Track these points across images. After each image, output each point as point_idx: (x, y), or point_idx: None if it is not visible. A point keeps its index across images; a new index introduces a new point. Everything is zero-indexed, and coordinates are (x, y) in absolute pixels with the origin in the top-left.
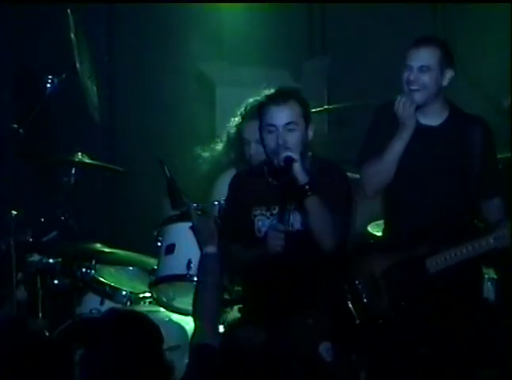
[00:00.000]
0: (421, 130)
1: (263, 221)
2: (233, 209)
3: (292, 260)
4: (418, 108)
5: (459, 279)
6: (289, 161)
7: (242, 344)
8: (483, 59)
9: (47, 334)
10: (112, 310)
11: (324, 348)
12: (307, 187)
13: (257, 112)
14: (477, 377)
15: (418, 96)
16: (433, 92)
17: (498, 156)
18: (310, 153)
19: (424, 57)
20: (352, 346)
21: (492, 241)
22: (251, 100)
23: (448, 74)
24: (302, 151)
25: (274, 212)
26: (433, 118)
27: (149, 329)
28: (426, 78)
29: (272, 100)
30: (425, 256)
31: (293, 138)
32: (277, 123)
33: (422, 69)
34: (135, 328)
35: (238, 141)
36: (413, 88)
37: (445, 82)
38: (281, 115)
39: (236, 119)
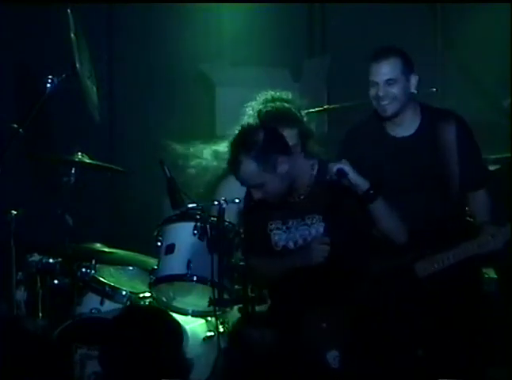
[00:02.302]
0: (395, 142)
1: (280, 235)
2: (250, 224)
3: (317, 269)
4: (390, 119)
5: (454, 280)
6: (342, 173)
7: (252, 343)
8: (483, 59)
9: (42, 334)
10: (133, 306)
11: (332, 356)
12: (371, 192)
13: None
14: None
15: (391, 109)
16: (403, 101)
17: (498, 156)
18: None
19: (388, 70)
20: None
21: (476, 246)
22: (260, 105)
23: (414, 80)
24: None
25: (289, 225)
26: (406, 128)
27: (171, 325)
28: (394, 91)
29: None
30: (413, 261)
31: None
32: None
33: (388, 82)
34: (157, 323)
35: None
36: (383, 103)
37: (413, 88)
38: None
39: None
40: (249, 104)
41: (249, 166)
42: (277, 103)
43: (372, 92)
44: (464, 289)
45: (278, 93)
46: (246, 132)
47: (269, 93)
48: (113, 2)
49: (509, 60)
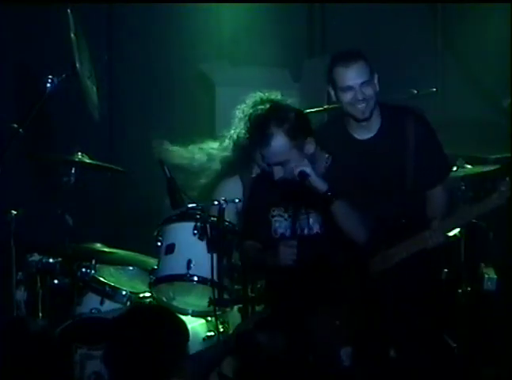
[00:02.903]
0: (358, 145)
1: (280, 222)
2: (252, 208)
3: (311, 263)
4: (366, 121)
5: (408, 274)
6: (303, 175)
7: (260, 347)
8: (483, 59)
9: (42, 334)
10: (138, 305)
11: (345, 353)
12: (329, 193)
13: None
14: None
15: (368, 111)
16: (375, 101)
17: (498, 156)
18: None
19: (360, 73)
20: (372, 350)
21: (423, 240)
22: (251, 109)
23: (376, 79)
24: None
25: (291, 214)
26: (369, 129)
27: (177, 324)
28: (369, 92)
29: None
30: (367, 257)
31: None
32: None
33: (363, 84)
34: (163, 323)
35: (246, 147)
36: (361, 105)
37: (377, 87)
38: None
39: (240, 127)
40: (238, 107)
41: (280, 139)
42: (267, 105)
43: (348, 96)
44: (418, 282)
45: (267, 94)
46: (279, 108)
47: (258, 95)
48: (113, 2)
49: (509, 60)
